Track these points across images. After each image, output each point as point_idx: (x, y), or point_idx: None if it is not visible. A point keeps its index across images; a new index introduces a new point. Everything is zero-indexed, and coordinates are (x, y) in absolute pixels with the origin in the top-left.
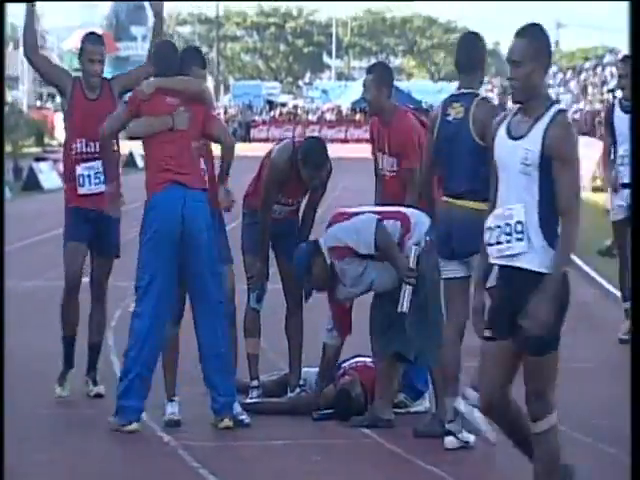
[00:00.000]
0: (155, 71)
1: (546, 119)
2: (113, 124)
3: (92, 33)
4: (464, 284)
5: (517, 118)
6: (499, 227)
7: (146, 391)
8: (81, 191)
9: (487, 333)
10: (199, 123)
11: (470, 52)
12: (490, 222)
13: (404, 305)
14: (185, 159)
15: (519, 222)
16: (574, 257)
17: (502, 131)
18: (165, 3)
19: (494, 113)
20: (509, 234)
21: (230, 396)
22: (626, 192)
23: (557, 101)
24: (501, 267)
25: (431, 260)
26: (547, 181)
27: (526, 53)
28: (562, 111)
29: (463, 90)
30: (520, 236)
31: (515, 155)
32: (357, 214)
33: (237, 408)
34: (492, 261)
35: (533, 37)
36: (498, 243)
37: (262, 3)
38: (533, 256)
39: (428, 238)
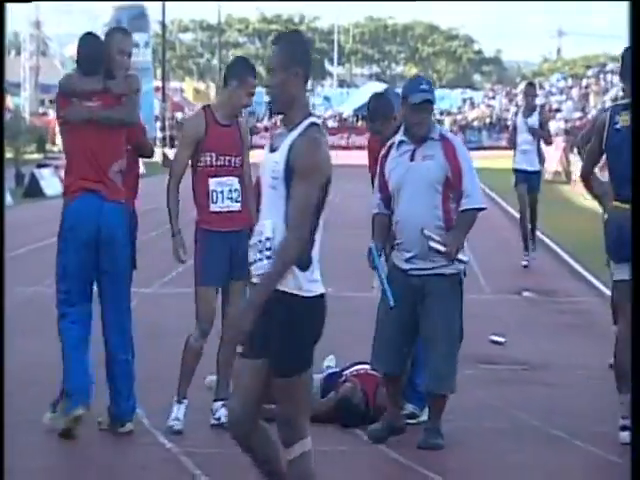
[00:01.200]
0: (80, 70)
1: (298, 131)
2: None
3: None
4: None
5: (280, 130)
6: (256, 244)
7: (88, 377)
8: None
9: (241, 350)
10: (120, 136)
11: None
12: (251, 239)
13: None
14: (103, 169)
15: (268, 239)
16: (578, 266)
17: (267, 144)
18: (167, 10)
19: None
20: (261, 251)
21: (133, 401)
22: None
23: (313, 114)
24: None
25: (453, 292)
26: None
27: (278, 61)
28: (314, 124)
29: (629, 99)
30: (268, 253)
31: (267, 168)
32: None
33: (223, 411)
34: (252, 280)
35: (287, 44)
36: (255, 261)
37: (264, 10)
38: None
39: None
